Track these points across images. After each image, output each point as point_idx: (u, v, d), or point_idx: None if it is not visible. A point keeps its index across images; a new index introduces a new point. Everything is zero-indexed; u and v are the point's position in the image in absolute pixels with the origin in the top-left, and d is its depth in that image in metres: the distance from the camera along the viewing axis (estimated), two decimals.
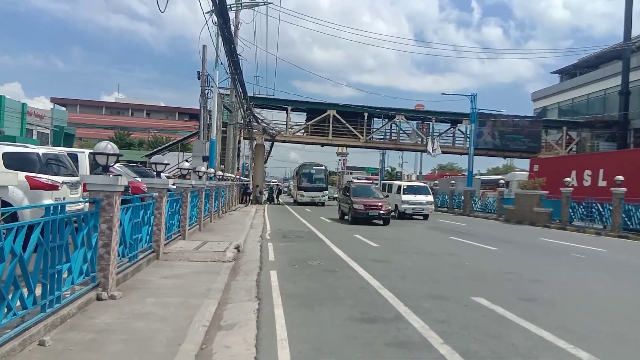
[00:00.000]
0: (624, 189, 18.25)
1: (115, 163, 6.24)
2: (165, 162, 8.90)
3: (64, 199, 8.82)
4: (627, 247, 15.14)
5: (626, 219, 18.27)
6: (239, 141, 35.26)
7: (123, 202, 7.23)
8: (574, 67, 47.72)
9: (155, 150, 42.21)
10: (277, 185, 57.57)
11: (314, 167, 38.17)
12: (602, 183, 21.71)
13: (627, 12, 37.28)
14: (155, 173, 9.06)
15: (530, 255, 12.08)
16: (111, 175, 6.03)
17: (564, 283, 8.25)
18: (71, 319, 5.01)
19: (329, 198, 41.22)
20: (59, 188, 8.93)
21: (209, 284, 6.90)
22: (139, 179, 13.67)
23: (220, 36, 13.53)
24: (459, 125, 41.19)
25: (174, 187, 12.14)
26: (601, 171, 22.21)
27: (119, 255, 6.69)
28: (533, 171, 28.68)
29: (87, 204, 6.15)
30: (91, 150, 6.26)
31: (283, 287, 7.04)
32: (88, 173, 10.70)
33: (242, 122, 30.63)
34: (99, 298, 5.76)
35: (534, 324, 5.43)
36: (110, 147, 6.10)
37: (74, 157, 11.00)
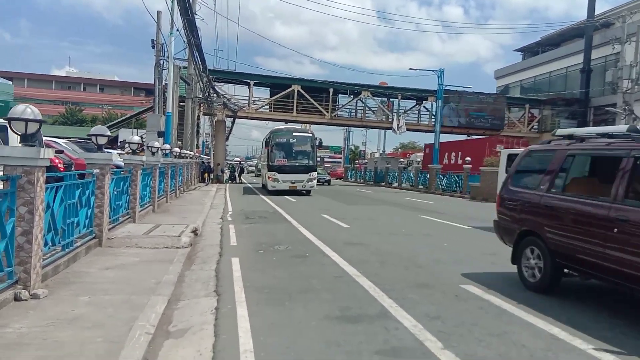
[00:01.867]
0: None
1: (37, 130, 5.05)
2: (108, 133, 7.65)
3: None
4: None
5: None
6: (198, 116, 33.53)
7: (57, 180, 6.08)
8: (536, 45, 47.93)
9: (107, 125, 39.77)
10: (240, 163, 56.00)
11: (294, 134, 24.19)
12: (459, 162, 31.80)
13: None
14: (95, 146, 7.81)
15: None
16: (32, 147, 4.86)
17: None
18: None
19: (320, 183, 31.32)
20: None
21: (159, 276, 5.86)
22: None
23: None
24: (424, 102, 40.72)
25: (122, 163, 10.88)
26: (460, 153, 34.54)
27: (47, 244, 5.56)
28: (425, 153, 41.82)
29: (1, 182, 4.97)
30: (6, 116, 5.01)
31: (247, 278, 6.07)
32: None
33: (202, 96, 28.97)
34: (17, 298, 4.65)
35: (537, 317, 4.72)
36: (30, 111, 4.91)
37: (3, 129, 9.54)
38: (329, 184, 38.44)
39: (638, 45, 31.04)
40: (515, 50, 53.47)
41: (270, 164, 23.18)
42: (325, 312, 4.71)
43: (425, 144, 45.65)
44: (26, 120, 4.85)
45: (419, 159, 46.54)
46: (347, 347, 3.84)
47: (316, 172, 24.15)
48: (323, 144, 29.35)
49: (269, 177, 23.25)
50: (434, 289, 5.77)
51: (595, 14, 38.12)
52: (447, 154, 37.34)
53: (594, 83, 37.46)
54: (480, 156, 30.47)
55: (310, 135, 24.89)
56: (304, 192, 23.45)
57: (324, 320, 4.47)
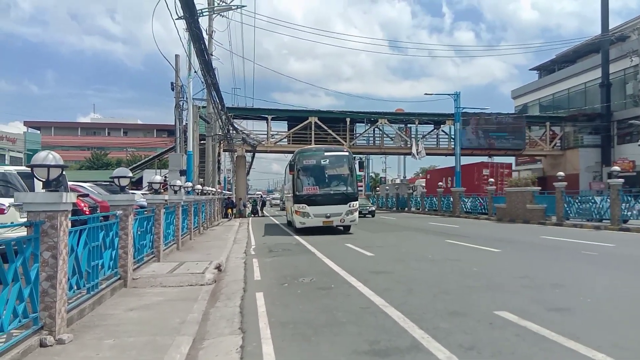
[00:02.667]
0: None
1: (60, 175, 5.12)
2: (129, 175, 7.75)
3: (11, 223, 7.63)
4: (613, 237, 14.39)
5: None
6: (219, 153, 34.02)
7: (81, 223, 6.13)
8: (551, 62, 47.69)
9: (131, 167, 40.67)
10: (261, 197, 56.32)
11: (326, 154, 18.72)
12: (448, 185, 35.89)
13: (603, 5, 37.26)
14: (119, 188, 7.90)
15: (538, 256, 11.18)
16: (55, 192, 4.92)
17: (589, 287, 7.32)
18: None
19: (362, 214, 25.71)
20: (5, 212, 7.76)
21: (184, 315, 5.78)
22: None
23: (190, 36, 12.44)
24: (442, 126, 40.58)
25: (146, 203, 10.98)
26: (448, 178, 38.11)
27: (71, 288, 5.55)
28: (427, 179, 46.18)
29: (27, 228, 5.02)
30: (29, 164, 5.10)
31: (272, 314, 5.94)
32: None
33: (221, 133, 29.46)
34: (42, 344, 4.61)
35: (579, 342, 4.45)
36: (52, 157, 4.99)
37: (30, 177, 9.78)
38: (373, 216, 31.52)
39: None
40: (530, 69, 53.31)
41: (297, 194, 17.80)
42: (354, 347, 4.53)
43: (426, 171, 50.59)
44: (48, 167, 4.92)
45: (423, 184, 47.78)
46: None
47: (357, 202, 18.44)
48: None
49: (296, 212, 17.86)
50: (466, 316, 5.54)
51: (610, 28, 37.88)
52: (444, 178, 39.47)
53: (614, 97, 36.88)
54: (470, 180, 33.98)
55: (347, 154, 18.79)
56: (342, 227, 18.63)
57: (352, 355, 4.30)
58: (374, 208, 33.54)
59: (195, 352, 4.61)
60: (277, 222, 26.57)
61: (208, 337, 5.12)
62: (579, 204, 20.23)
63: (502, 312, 5.61)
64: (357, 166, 20.04)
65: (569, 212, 20.72)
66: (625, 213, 17.61)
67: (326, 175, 18.17)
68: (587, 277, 8.20)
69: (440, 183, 36.74)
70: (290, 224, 21.29)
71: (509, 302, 6.21)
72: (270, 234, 19.14)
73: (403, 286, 7.49)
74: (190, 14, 8.88)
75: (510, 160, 50.17)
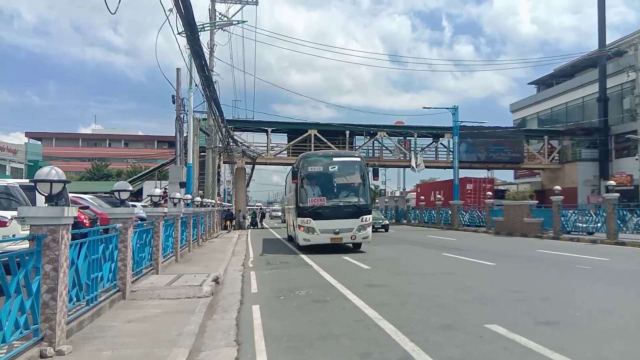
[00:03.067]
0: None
1: (61, 191, 5.28)
2: (129, 188, 7.91)
3: (13, 236, 7.78)
4: (618, 252, 14.50)
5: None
6: (219, 165, 34.22)
7: (82, 236, 6.28)
8: (550, 77, 48.13)
9: (131, 179, 40.87)
10: (260, 208, 56.42)
11: (334, 160, 16.32)
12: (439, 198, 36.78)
13: (600, 21, 37.78)
14: (119, 201, 8.05)
15: (532, 270, 11.32)
16: (57, 206, 5.08)
17: (579, 300, 7.44)
18: None
19: (375, 229, 21.21)
20: (7, 224, 7.91)
21: (181, 327, 5.90)
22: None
23: (191, 53, 12.71)
24: (441, 139, 40.87)
25: (145, 215, 11.13)
26: (440, 191, 39.55)
27: (71, 300, 5.68)
28: (417, 192, 48.16)
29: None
30: (33, 178, 5.26)
31: (267, 326, 6.06)
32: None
33: (221, 145, 29.69)
34: (42, 355, 4.73)
35: (565, 355, 4.58)
36: (55, 172, 5.16)
37: (32, 189, 9.95)
38: (386, 230, 28.80)
39: None
40: (529, 84, 53.77)
41: (301, 205, 15.30)
42: (345, 359, 4.66)
43: (416, 184, 53.24)
44: (51, 182, 5.08)
45: (414, 197, 49.17)
46: None
47: (371, 215, 15.68)
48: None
49: (299, 227, 15.37)
50: (457, 330, 5.66)
51: (607, 43, 38.33)
52: (432, 192, 41.81)
53: (611, 111, 37.21)
54: (450, 193, 35.33)
55: (359, 159, 16.22)
56: (352, 245, 16.04)
57: None
58: (387, 222, 30.56)
59: None
60: (277, 236, 25.62)
61: (204, 349, 5.24)
62: (575, 218, 20.37)
63: (493, 326, 5.74)
64: (370, 174, 16.20)
65: (566, 225, 20.85)
66: (621, 227, 17.72)
67: (335, 184, 15.62)
68: (578, 291, 8.31)
69: (432, 196, 39.45)
70: (291, 239, 19.14)
71: (499, 315, 6.34)
72: (269, 251, 16.65)
73: (397, 299, 7.61)
74: (191, 31, 9.13)
75: (509, 173, 50.50)
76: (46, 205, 5.20)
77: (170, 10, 8.57)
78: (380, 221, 29.08)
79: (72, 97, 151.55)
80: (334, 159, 16.04)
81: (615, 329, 5.74)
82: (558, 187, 21.60)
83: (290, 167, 20.32)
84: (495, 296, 7.80)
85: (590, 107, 40.28)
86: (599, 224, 19.05)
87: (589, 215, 19.63)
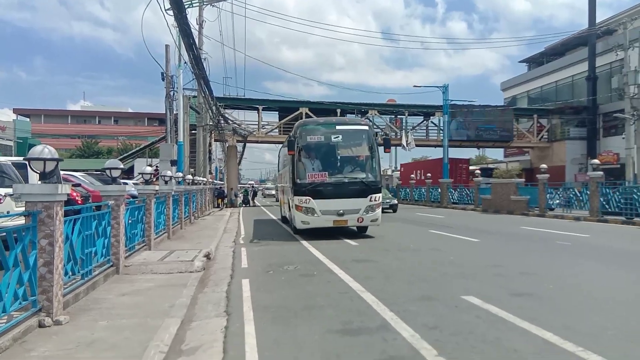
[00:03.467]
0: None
1: (54, 169, 5.46)
2: (121, 166, 8.08)
3: (8, 212, 7.95)
4: (589, 228, 14.98)
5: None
6: (210, 143, 34.24)
7: (75, 212, 6.47)
8: (540, 55, 48.19)
9: (122, 156, 40.78)
10: (252, 186, 56.58)
11: (338, 128, 14.11)
12: (422, 177, 38.16)
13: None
14: (110, 179, 8.23)
15: (515, 246, 11.70)
16: (51, 183, 5.26)
17: (555, 275, 7.80)
18: (3, 353, 4.25)
19: (383, 209, 16.84)
20: (2, 201, 8.07)
21: (173, 300, 6.17)
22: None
23: (179, 31, 12.70)
24: (431, 117, 41.06)
25: (137, 193, 11.31)
26: (422, 171, 40.35)
27: (67, 274, 5.90)
28: (401, 171, 49.08)
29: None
30: (26, 157, 5.43)
31: (255, 298, 6.35)
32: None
33: (212, 123, 29.68)
34: (41, 325, 4.98)
35: (533, 323, 4.91)
36: (48, 151, 5.33)
37: (23, 166, 10.08)
38: (395, 211, 26.14)
39: None
40: (520, 62, 53.77)
41: (299, 182, 13.16)
42: (328, 327, 4.96)
43: (400, 164, 52.88)
44: (44, 160, 5.25)
45: (398, 176, 50.60)
46: (346, 358, 4.09)
47: (380, 194, 13.68)
48: None
49: (296, 207, 13.25)
50: (435, 301, 5.99)
51: (597, 21, 38.37)
52: (415, 171, 42.30)
53: (600, 90, 37.49)
54: (438, 172, 36.08)
55: (366, 127, 14.19)
56: (358, 228, 14.21)
57: (326, 334, 4.73)
58: (395, 201, 27.25)
59: (183, 332, 5.01)
60: (270, 216, 24.22)
61: (195, 319, 5.52)
62: (560, 195, 20.81)
63: (469, 297, 6.07)
64: (378, 146, 14.14)
65: (551, 203, 21.31)
66: (603, 204, 18.18)
67: (338, 157, 13.44)
68: (555, 266, 8.68)
69: (412, 175, 40.25)
70: (286, 220, 17.56)
71: (477, 288, 6.67)
72: (261, 236, 14.44)
73: (382, 274, 7.93)
74: (179, 10, 9.16)
75: (499, 152, 50.95)
76: (39, 182, 5.38)
77: None
78: (388, 201, 25.71)
79: (60, 72, 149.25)
80: (338, 127, 13.78)
81: (585, 301, 6.09)
82: (544, 166, 21.97)
83: (283, 142, 19.21)
84: (476, 270, 8.14)
85: (580, 86, 40.54)
86: (582, 202, 19.50)
87: (573, 193, 20.06)
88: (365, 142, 13.71)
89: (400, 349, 4.25)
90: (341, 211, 12.95)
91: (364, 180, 13.29)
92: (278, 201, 26.30)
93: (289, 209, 15.05)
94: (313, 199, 12.97)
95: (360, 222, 13.25)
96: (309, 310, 5.67)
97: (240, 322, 5.26)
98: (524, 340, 4.44)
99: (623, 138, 31.52)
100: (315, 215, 12.98)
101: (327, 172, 13.19)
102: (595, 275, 7.85)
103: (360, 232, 14.25)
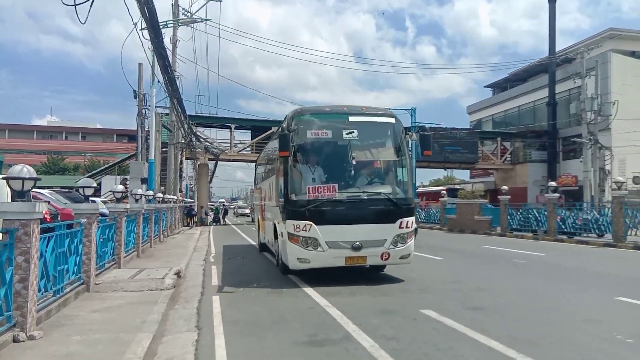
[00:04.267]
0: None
1: (32, 187, 5.66)
2: (94, 184, 8.27)
3: None
4: (558, 249, 15.80)
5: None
6: (181, 161, 34.21)
7: (45, 230, 6.63)
8: (504, 80, 50.28)
9: (90, 174, 40.18)
10: (223, 205, 56.33)
11: (352, 120, 9.23)
12: None
13: (551, 29, 39.84)
14: (83, 197, 8.39)
15: (474, 263, 12.28)
16: (28, 202, 5.46)
17: (508, 290, 8.34)
18: None
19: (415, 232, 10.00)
20: None
21: (144, 316, 6.37)
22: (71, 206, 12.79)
23: (154, 54, 13.01)
24: None
25: (107, 211, 11.41)
26: None
27: (40, 290, 6.05)
28: None
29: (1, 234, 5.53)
30: (4, 175, 5.62)
31: (226, 314, 6.62)
32: (9, 200, 9.83)
33: (183, 141, 29.75)
34: (15, 340, 5.13)
35: (482, 334, 5.36)
36: (26, 170, 5.54)
37: None
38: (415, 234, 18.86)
39: (597, 78, 33.06)
40: (485, 86, 55.92)
41: (294, 198, 8.92)
42: (294, 339, 5.29)
43: None
44: (23, 179, 5.47)
45: None
46: None
47: (413, 218, 9.54)
48: None
49: (291, 237, 8.90)
50: (395, 314, 6.39)
51: (557, 50, 40.48)
52: None
53: (560, 115, 39.34)
54: None
55: (393, 120, 9.75)
56: (375, 267, 10.02)
57: (292, 346, 5.06)
58: (415, 226, 21.18)
59: (155, 346, 5.24)
60: (245, 239, 21.26)
61: (167, 334, 5.75)
62: (520, 216, 21.75)
63: (427, 311, 6.50)
64: (408, 145, 10.12)
65: (512, 223, 22.21)
66: (560, 224, 19.13)
67: (353, 163, 9.13)
68: (509, 282, 9.25)
69: None
70: (265, 248, 13.78)
71: (435, 302, 7.12)
72: (231, 242, 15.05)
73: (347, 290, 8.29)
74: (155, 35, 9.50)
75: (466, 173, 52.46)
76: (10, 201, 5.57)
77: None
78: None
79: (26, 86, 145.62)
80: (352, 119, 9.27)
81: (531, 313, 6.61)
82: (505, 187, 22.95)
83: (252, 165, 17.91)
84: (435, 286, 8.62)
85: (541, 111, 42.42)
86: (541, 223, 20.44)
87: (532, 214, 21.01)
88: (391, 140, 9.54)
89: (360, 357, 4.62)
90: (357, 243, 8.62)
91: (391, 196, 8.98)
92: (254, 221, 21.04)
93: (275, 238, 10.70)
94: (316, 224, 8.58)
95: (386, 259, 8.88)
96: (277, 324, 5.98)
97: (210, 335, 5.53)
98: (472, 348, 4.88)
99: (581, 161, 33.09)
100: (319, 249, 8.63)
101: (336, 185, 8.76)
102: (543, 290, 8.42)
103: (377, 270, 10.28)
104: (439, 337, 5.31)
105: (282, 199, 9.25)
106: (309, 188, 8.75)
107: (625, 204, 16.57)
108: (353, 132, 9.16)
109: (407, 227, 9.00)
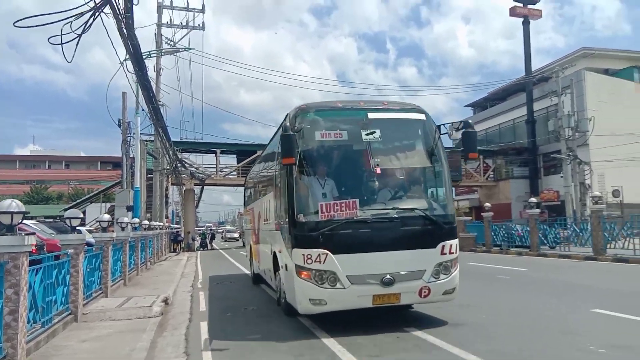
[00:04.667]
0: None
1: (21, 222, 5.79)
2: (80, 215, 8.38)
3: None
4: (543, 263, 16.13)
5: None
6: (167, 187, 34.19)
7: (33, 262, 6.72)
8: (484, 100, 51.47)
9: (75, 203, 39.86)
10: (210, 229, 56.07)
11: (371, 117, 7.35)
12: None
13: (526, 49, 41.11)
14: (70, 228, 8.48)
15: (459, 281, 12.48)
16: (19, 235, 5.59)
17: (491, 306, 8.58)
18: None
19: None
20: None
21: (133, 344, 6.46)
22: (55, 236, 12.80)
23: (138, 85, 13.27)
24: None
25: (94, 241, 11.45)
26: None
27: (29, 322, 6.12)
28: None
29: None
30: None
31: (213, 339, 6.73)
32: None
33: (169, 168, 29.82)
34: None
35: (462, 348, 5.56)
36: (15, 204, 5.67)
37: None
38: None
39: (573, 96, 34.07)
40: (466, 106, 57.12)
41: (302, 219, 6.82)
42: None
43: None
44: (12, 213, 5.60)
45: None
46: None
47: (457, 241, 7.42)
48: None
49: (300, 270, 6.76)
50: (379, 332, 6.57)
51: (533, 69, 41.73)
52: None
53: (539, 132, 40.31)
54: None
55: (423, 117, 7.85)
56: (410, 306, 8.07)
57: None
58: None
59: None
60: (235, 268, 19.29)
61: None
62: (504, 232, 22.15)
63: (410, 328, 6.69)
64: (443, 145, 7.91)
65: (496, 239, 22.59)
66: (542, 240, 19.55)
67: (377, 171, 7.21)
68: (492, 298, 9.49)
69: None
70: (260, 279, 11.96)
71: (418, 320, 7.31)
72: (218, 267, 16.62)
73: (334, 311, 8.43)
74: (139, 68, 9.77)
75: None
76: (9, 235, 5.69)
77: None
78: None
79: (8, 115, 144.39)
80: (372, 116, 7.44)
81: (511, 328, 6.84)
82: (488, 204, 23.40)
83: (239, 189, 16.75)
84: (421, 306, 8.79)
85: (521, 128, 43.41)
86: (524, 238, 20.86)
87: (514, 230, 21.43)
88: (422, 141, 7.73)
89: None
90: (388, 276, 6.64)
91: (429, 213, 7.16)
92: (245, 246, 17.68)
93: (275, 270, 8.65)
94: (333, 253, 6.60)
95: (425, 296, 6.91)
96: (264, 347, 6.11)
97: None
98: None
99: (561, 177, 33.83)
100: (338, 286, 6.64)
101: (357, 200, 6.84)
102: (524, 305, 8.67)
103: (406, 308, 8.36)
104: (421, 353, 5.52)
105: (286, 221, 7.12)
106: (321, 206, 6.68)
107: (603, 218, 17.04)
108: (374, 132, 7.22)
109: (450, 252, 7.09)
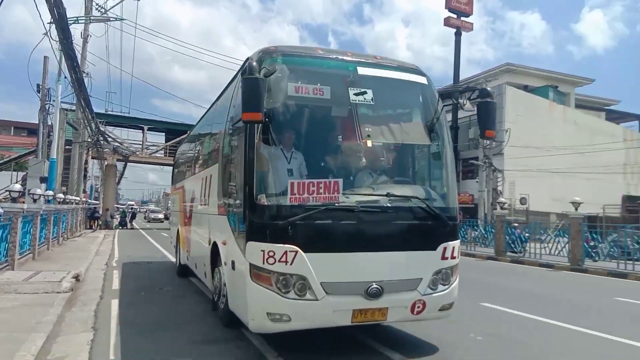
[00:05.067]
0: None
1: None
2: None
3: None
4: None
5: None
6: (86, 161, 32.58)
7: None
8: None
9: None
10: (132, 208, 54.05)
11: (361, 73, 5.34)
12: None
13: (456, 60, 43.34)
14: None
15: None
16: None
17: None
18: None
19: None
20: None
21: (39, 317, 6.37)
22: None
23: (62, 54, 12.65)
24: None
25: (2, 211, 10.90)
26: None
27: None
28: None
29: None
30: None
31: (124, 316, 6.79)
32: None
33: (90, 140, 28.46)
34: None
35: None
36: None
37: None
38: None
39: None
40: None
41: (265, 204, 4.75)
42: (190, 339, 5.66)
43: None
44: None
45: None
46: None
47: (459, 242, 5.64)
48: None
49: (256, 272, 4.73)
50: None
51: (463, 77, 44.20)
52: None
53: (461, 138, 42.76)
54: None
55: (424, 80, 5.88)
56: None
57: (186, 344, 5.43)
58: None
59: (50, 345, 5.35)
60: (159, 253, 16.34)
61: (62, 335, 5.85)
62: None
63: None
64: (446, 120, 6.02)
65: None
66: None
67: (367, 144, 5.38)
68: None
69: None
70: (187, 271, 10.17)
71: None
72: (136, 247, 16.71)
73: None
74: (65, 37, 9.35)
75: None
76: None
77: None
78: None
79: None
80: (362, 71, 5.49)
81: None
82: None
83: (166, 169, 15.42)
84: None
85: None
86: None
87: None
88: (422, 112, 5.93)
89: (253, 355, 5.12)
90: (375, 286, 4.95)
91: (430, 204, 5.38)
92: (172, 231, 12.99)
93: (214, 266, 6.73)
94: (304, 251, 4.74)
95: (419, 312, 5.30)
96: (176, 325, 6.29)
97: (107, 335, 5.73)
98: None
99: (477, 182, 36.27)
100: (308, 296, 4.78)
101: (340, 181, 4.93)
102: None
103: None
104: None
105: (238, 204, 5.21)
106: (292, 185, 4.79)
107: (505, 223, 18.63)
108: (365, 92, 5.36)
109: (452, 256, 5.48)
